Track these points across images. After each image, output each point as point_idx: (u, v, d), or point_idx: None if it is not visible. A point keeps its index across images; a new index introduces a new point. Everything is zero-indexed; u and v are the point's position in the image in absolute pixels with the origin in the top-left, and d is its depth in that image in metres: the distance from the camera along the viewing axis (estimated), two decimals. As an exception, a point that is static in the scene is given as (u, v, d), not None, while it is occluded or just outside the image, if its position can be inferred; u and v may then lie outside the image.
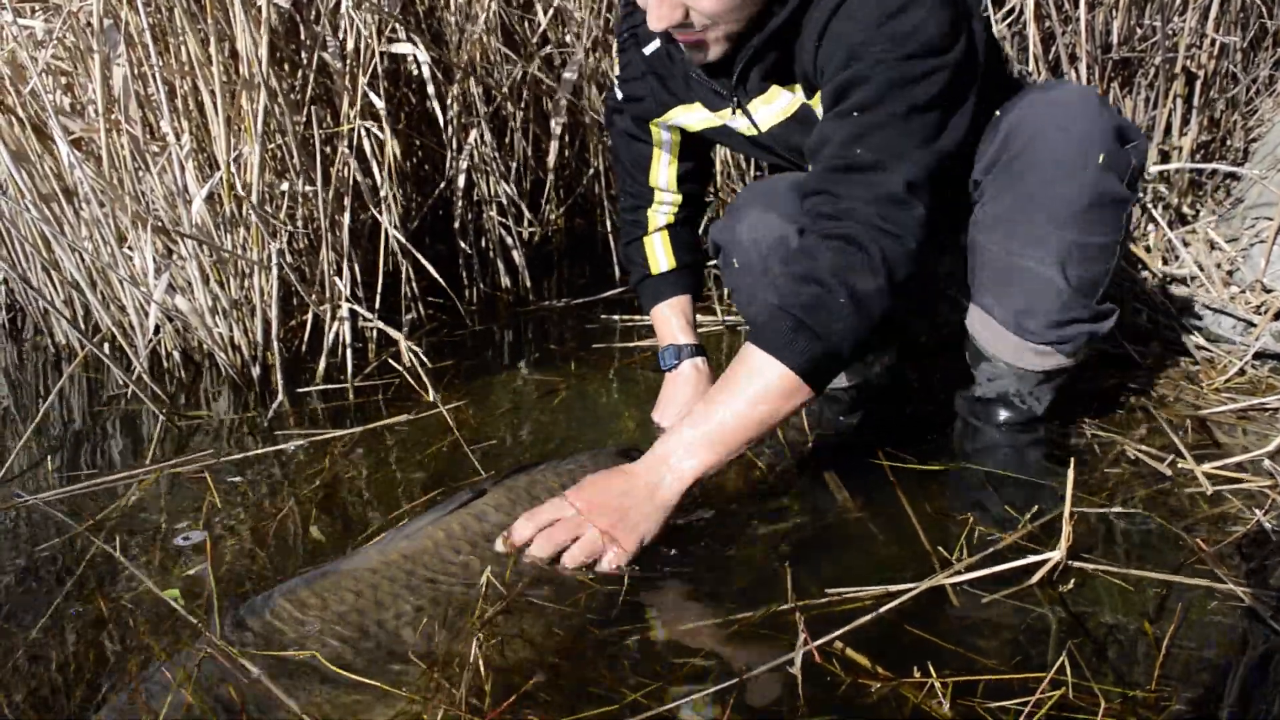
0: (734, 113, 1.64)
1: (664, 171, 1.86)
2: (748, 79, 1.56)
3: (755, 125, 1.64)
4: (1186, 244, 2.42)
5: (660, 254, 1.89)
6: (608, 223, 2.82)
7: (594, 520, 1.33)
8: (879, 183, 1.35)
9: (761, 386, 1.33)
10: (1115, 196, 1.44)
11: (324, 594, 1.24)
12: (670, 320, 1.87)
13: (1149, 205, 2.43)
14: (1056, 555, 1.31)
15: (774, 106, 1.59)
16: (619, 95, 1.84)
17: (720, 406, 1.34)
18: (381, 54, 2.21)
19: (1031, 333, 1.53)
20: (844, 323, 1.33)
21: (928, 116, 1.37)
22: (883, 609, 1.24)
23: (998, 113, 1.49)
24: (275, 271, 2.09)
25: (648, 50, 1.67)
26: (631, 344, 2.36)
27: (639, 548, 1.34)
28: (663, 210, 1.89)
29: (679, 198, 1.88)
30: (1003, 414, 1.63)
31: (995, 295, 1.54)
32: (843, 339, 1.34)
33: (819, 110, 1.52)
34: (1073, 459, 1.36)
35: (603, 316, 2.54)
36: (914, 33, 1.35)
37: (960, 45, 1.39)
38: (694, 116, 1.72)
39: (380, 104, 2.22)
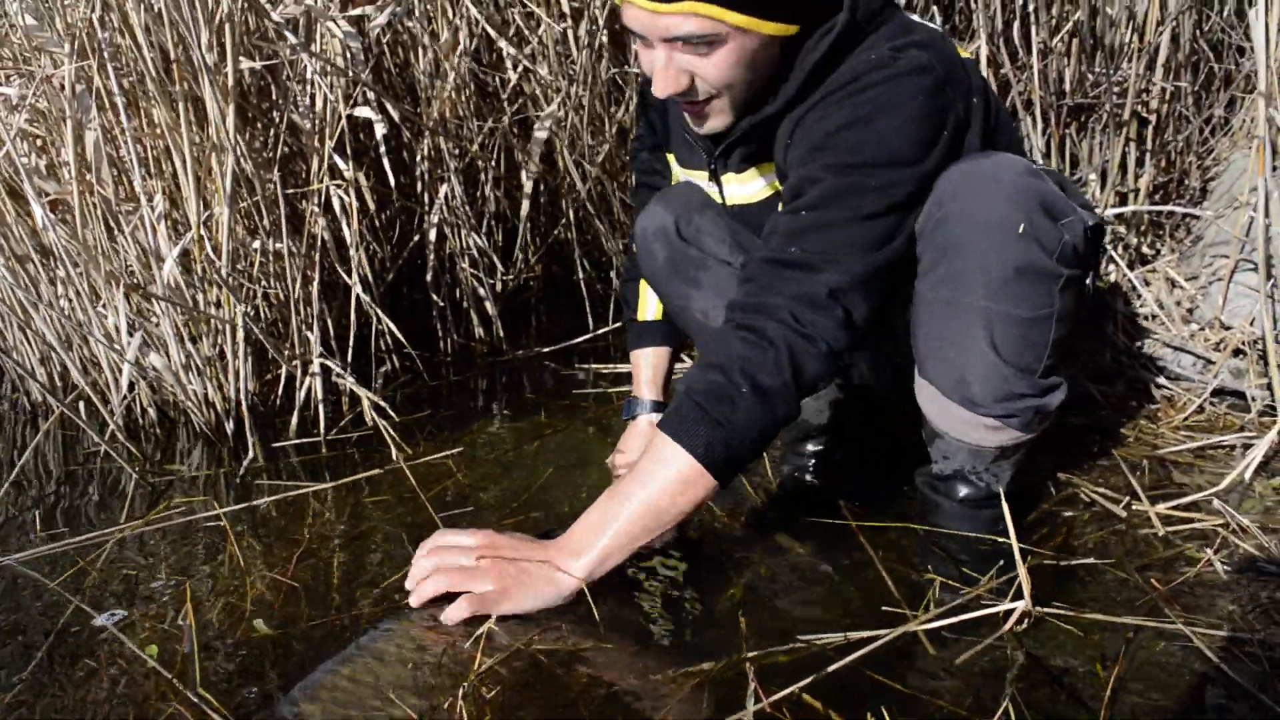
0: (709, 180, 1.67)
1: None
2: (730, 155, 1.58)
3: (723, 197, 1.67)
4: (1147, 283, 2.46)
5: (650, 300, 1.90)
6: (580, 270, 2.85)
7: (489, 577, 1.36)
8: (803, 282, 1.36)
9: (664, 474, 1.35)
10: (1040, 269, 1.39)
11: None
12: (641, 371, 1.91)
13: (1108, 245, 2.48)
14: (1022, 605, 1.34)
15: (748, 188, 1.61)
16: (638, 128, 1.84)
17: (628, 501, 1.36)
18: (348, 116, 2.26)
19: (978, 405, 1.47)
20: (745, 414, 1.34)
21: (874, 224, 1.37)
22: (845, 660, 1.26)
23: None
24: (243, 332, 2.13)
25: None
26: (609, 389, 2.38)
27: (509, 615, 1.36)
28: None
29: None
30: (962, 490, 1.59)
31: (935, 366, 1.50)
32: (745, 430, 1.35)
33: None
34: (1006, 505, 1.41)
35: (578, 364, 2.57)
36: (877, 142, 1.35)
37: (935, 155, 1.39)
38: (674, 163, 1.77)
39: (346, 169, 2.27)
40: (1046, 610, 1.37)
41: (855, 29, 1.41)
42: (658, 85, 1.40)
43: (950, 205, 1.39)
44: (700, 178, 1.71)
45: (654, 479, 1.35)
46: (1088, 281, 1.51)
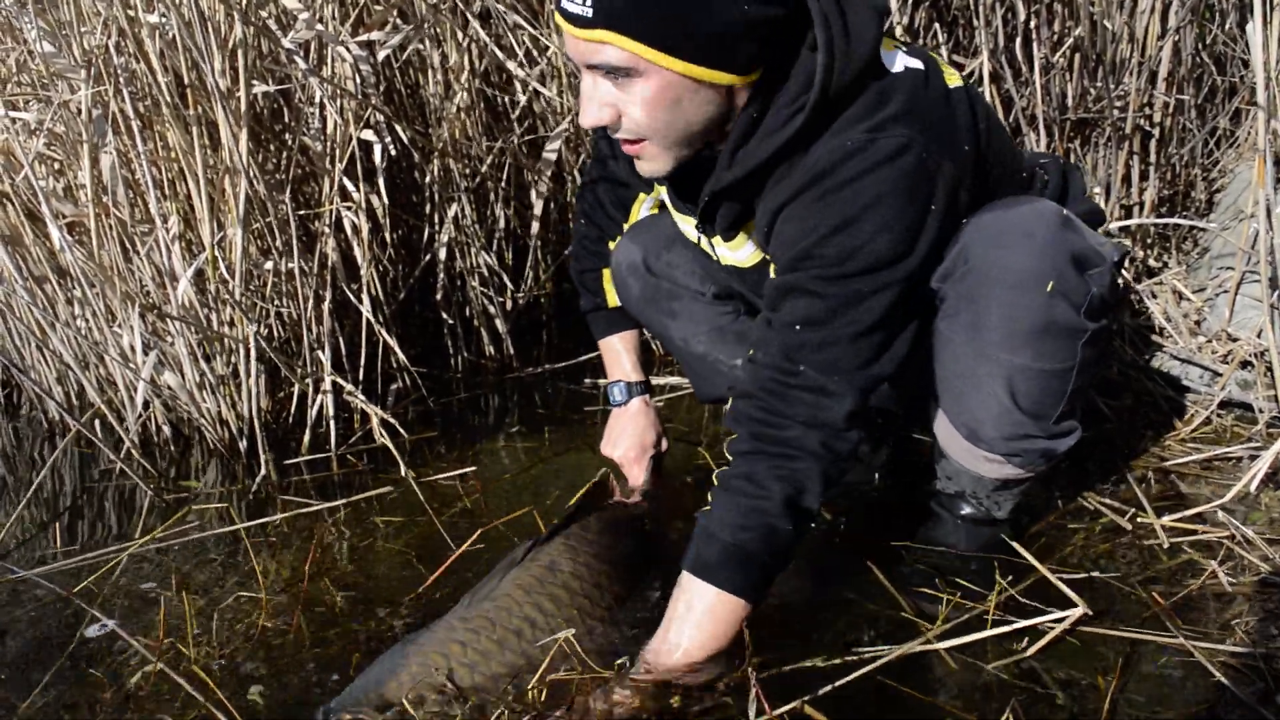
0: (698, 240, 1.63)
1: (644, 211, 1.85)
2: (714, 218, 1.50)
3: (714, 255, 1.63)
4: (1154, 295, 2.47)
5: None
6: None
7: None
8: (820, 408, 1.34)
9: (722, 624, 1.34)
10: (1067, 325, 1.37)
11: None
12: (622, 356, 1.90)
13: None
14: (1077, 612, 1.39)
15: (739, 254, 1.58)
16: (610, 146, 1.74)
17: (682, 652, 1.34)
18: (359, 139, 2.29)
19: (984, 442, 1.47)
20: (790, 543, 1.36)
21: (874, 337, 1.34)
22: (852, 676, 1.29)
23: (965, 220, 1.40)
24: (254, 352, 2.16)
25: None
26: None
27: None
28: None
29: None
30: (965, 509, 1.61)
31: (950, 402, 1.50)
32: (787, 556, 1.38)
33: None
34: (1001, 531, 1.45)
35: (588, 381, 2.59)
36: (863, 249, 1.30)
37: (925, 239, 1.33)
38: (664, 195, 1.69)
39: (355, 192, 2.30)
40: (1069, 626, 1.38)
41: (827, 107, 1.32)
42: (581, 114, 1.35)
43: (977, 257, 1.37)
44: (690, 225, 1.63)
45: (714, 632, 1.34)
46: (1111, 322, 1.49)
